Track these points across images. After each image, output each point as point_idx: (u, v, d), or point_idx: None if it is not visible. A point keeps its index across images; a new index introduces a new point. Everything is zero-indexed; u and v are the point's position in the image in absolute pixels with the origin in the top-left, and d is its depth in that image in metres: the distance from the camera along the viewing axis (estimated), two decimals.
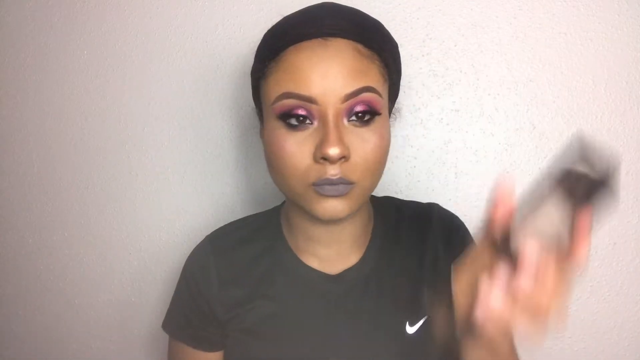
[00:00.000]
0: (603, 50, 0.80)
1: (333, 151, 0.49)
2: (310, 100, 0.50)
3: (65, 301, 1.00)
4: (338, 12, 0.54)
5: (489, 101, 0.83)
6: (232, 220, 0.72)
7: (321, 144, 0.50)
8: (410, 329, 0.60)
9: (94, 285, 0.98)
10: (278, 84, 0.52)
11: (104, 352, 0.99)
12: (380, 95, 0.53)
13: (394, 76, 0.58)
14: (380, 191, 0.86)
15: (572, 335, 0.85)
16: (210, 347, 0.66)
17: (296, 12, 0.56)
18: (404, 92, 0.85)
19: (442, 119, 0.85)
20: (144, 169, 0.94)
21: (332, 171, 0.50)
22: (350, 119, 0.52)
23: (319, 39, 0.51)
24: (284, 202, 0.69)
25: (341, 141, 0.50)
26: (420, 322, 0.61)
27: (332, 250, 0.62)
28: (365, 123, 0.52)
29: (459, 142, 0.85)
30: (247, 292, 0.63)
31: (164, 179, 0.93)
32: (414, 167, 0.86)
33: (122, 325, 0.98)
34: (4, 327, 1.04)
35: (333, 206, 0.52)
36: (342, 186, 0.51)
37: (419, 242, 0.65)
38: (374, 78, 0.52)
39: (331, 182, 0.51)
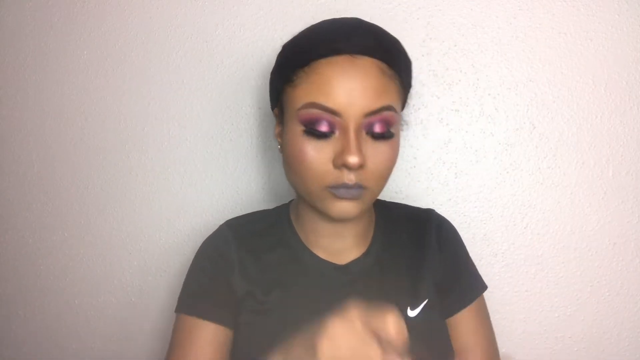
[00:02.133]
0: (603, 50, 0.80)
1: (353, 160, 0.54)
2: (334, 112, 0.55)
3: (65, 301, 1.00)
4: (365, 30, 0.59)
5: (489, 101, 0.83)
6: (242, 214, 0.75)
7: (342, 152, 0.55)
8: (412, 313, 0.64)
9: (94, 285, 0.98)
10: (306, 93, 0.56)
11: (105, 352, 0.99)
12: (397, 112, 0.58)
13: (407, 91, 0.64)
14: None
15: (572, 335, 0.85)
16: (222, 321, 0.66)
17: (323, 23, 0.61)
18: None
19: (442, 119, 0.85)
20: (144, 169, 0.94)
21: (350, 177, 0.56)
22: (369, 132, 0.57)
23: (348, 56, 0.56)
24: (291, 201, 0.73)
25: (360, 151, 0.55)
26: (421, 306, 0.65)
27: (338, 244, 0.67)
28: (382, 137, 0.57)
29: (459, 142, 0.85)
30: (263, 276, 0.67)
31: (164, 179, 0.93)
32: (414, 167, 0.86)
33: (122, 325, 0.98)
34: (4, 327, 1.04)
35: (346, 207, 0.58)
36: (356, 190, 0.56)
37: (419, 237, 0.70)
38: (394, 97, 0.58)
39: (347, 187, 0.56)
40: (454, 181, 0.85)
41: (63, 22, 0.94)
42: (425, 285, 0.66)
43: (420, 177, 0.86)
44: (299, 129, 0.57)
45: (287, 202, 0.74)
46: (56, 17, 0.95)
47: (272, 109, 0.67)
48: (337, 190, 0.56)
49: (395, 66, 0.58)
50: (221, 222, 0.73)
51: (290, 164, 0.60)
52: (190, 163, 0.92)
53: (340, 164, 0.55)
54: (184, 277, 0.69)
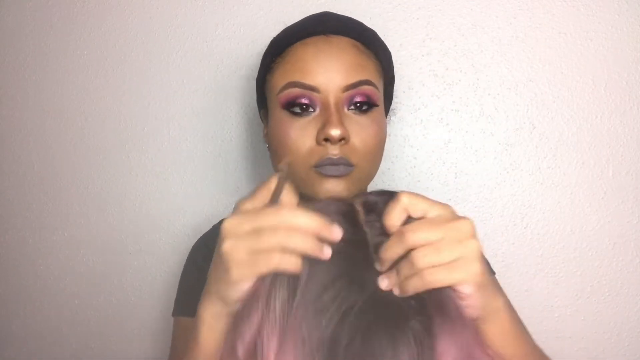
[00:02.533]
0: (603, 50, 0.80)
1: (335, 132, 0.53)
2: (313, 89, 0.55)
3: (65, 301, 1.00)
4: (339, 17, 0.61)
5: (489, 101, 0.83)
6: None
7: (323, 126, 0.54)
8: None
9: (94, 285, 0.98)
10: (284, 75, 0.57)
11: (104, 352, 0.99)
12: (377, 88, 0.58)
13: (387, 79, 0.63)
14: None
15: (572, 335, 0.85)
16: None
17: (300, 20, 0.62)
18: (404, 92, 0.85)
19: (442, 119, 0.85)
20: (144, 169, 0.94)
21: (334, 151, 0.54)
22: (350, 107, 0.56)
23: (322, 36, 0.57)
24: None
25: (342, 124, 0.54)
26: None
27: None
28: (364, 112, 0.57)
29: (459, 142, 0.85)
30: None
31: (164, 179, 0.93)
32: (414, 167, 0.86)
33: (122, 325, 0.98)
34: (4, 327, 1.04)
35: (334, 186, 0.56)
36: (343, 167, 0.55)
37: None
38: (372, 73, 0.58)
39: (332, 162, 0.54)
40: (454, 181, 0.85)
41: (63, 22, 0.94)
42: None
43: (420, 177, 0.86)
44: (281, 114, 0.57)
45: None
46: (56, 17, 0.95)
47: (259, 111, 0.68)
48: (323, 167, 0.55)
49: (372, 46, 0.59)
50: (223, 219, 0.73)
51: (275, 150, 0.59)
52: (190, 163, 0.92)
53: (322, 137, 0.54)
54: None
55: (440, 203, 0.42)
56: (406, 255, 0.38)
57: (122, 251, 0.96)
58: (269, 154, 0.64)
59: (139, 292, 0.97)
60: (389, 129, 0.86)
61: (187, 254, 0.72)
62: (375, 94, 0.57)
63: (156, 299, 0.96)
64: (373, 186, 0.86)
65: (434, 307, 0.38)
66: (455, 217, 0.41)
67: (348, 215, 0.42)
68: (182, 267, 0.72)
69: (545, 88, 0.82)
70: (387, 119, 0.66)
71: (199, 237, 0.74)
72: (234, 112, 0.90)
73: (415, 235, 0.38)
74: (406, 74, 0.84)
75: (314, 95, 0.55)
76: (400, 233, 0.38)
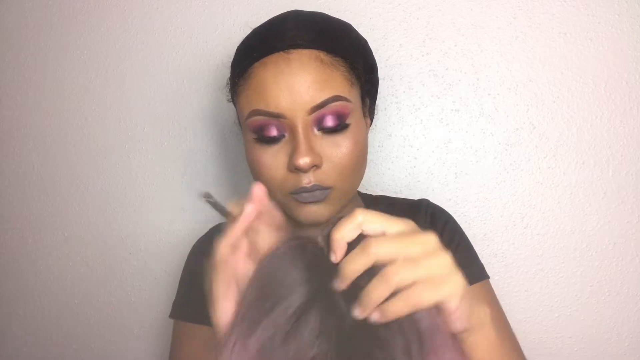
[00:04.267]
0: (603, 50, 0.80)
1: (303, 161, 0.51)
2: (278, 116, 0.52)
3: (65, 301, 1.00)
4: (301, 22, 0.56)
5: (489, 101, 0.83)
6: None
7: (292, 155, 0.52)
8: None
9: (94, 285, 0.98)
10: (248, 102, 0.54)
11: (104, 352, 0.99)
12: (348, 100, 0.54)
13: (365, 76, 0.58)
14: (380, 191, 0.86)
15: (572, 335, 0.85)
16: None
17: (263, 23, 0.59)
18: (404, 92, 0.85)
19: (442, 119, 0.85)
20: (144, 169, 0.94)
21: (306, 179, 0.53)
22: (320, 128, 0.53)
23: (282, 53, 0.53)
24: None
25: (311, 151, 0.52)
26: None
27: None
28: (336, 131, 0.53)
29: (459, 142, 0.85)
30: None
31: (164, 179, 0.93)
32: (414, 167, 0.86)
33: (122, 325, 0.98)
34: (4, 327, 1.04)
35: (313, 211, 0.55)
36: (319, 192, 0.53)
37: None
38: (340, 85, 0.53)
39: (306, 190, 0.53)
40: (454, 181, 0.85)
41: (63, 22, 0.94)
42: None
43: (420, 177, 0.86)
44: (251, 137, 0.55)
45: None
46: (56, 17, 0.95)
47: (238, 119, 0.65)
48: (299, 195, 0.53)
49: (338, 52, 0.54)
50: (221, 222, 0.73)
51: (252, 172, 0.58)
52: (190, 163, 0.92)
53: (293, 167, 0.52)
54: None
55: (400, 219, 0.39)
56: (369, 273, 0.35)
57: (122, 251, 0.96)
58: None
59: (139, 292, 0.97)
60: (388, 129, 0.86)
61: (187, 254, 0.72)
62: (346, 108, 0.54)
63: (156, 299, 0.96)
64: (373, 186, 0.86)
65: (412, 332, 0.35)
66: (419, 231, 0.38)
67: (313, 259, 0.39)
68: (181, 266, 0.72)
69: (545, 88, 0.82)
70: (375, 111, 0.63)
71: (198, 237, 0.74)
72: (234, 112, 0.90)
73: (382, 247, 0.35)
74: (406, 74, 0.84)
75: (280, 122, 0.53)
76: (365, 245, 0.35)
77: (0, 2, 0.97)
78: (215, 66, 0.89)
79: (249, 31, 0.60)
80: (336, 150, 0.53)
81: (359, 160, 0.56)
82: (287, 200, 0.55)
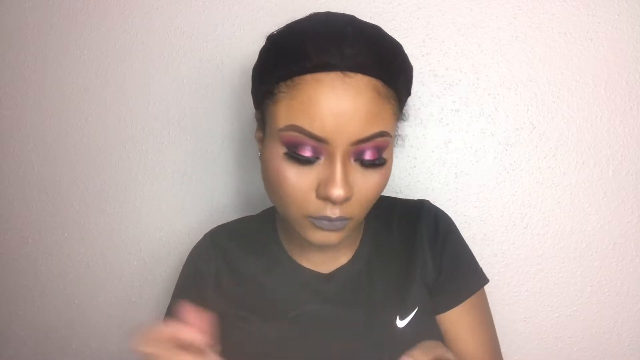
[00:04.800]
0: (603, 50, 0.80)
1: (338, 193, 0.48)
2: (319, 139, 0.49)
3: (65, 301, 1.00)
4: (361, 39, 0.50)
5: (489, 101, 0.83)
6: (231, 220, 0.74)
7: (327, 183, 0.49)
8: (401, 323, 0.61)
9: (94, 285, 0.98)
10: (288, 114, 0.49)
11: (104, 351, 0.99)
12: (390, 136, 0.52)
13: (404, 104, 0.57)
14: None
15: (572, 335, 0.85)
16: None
17: (314, 23, 0.53)
18: None
19: (442, 119, 0.85)
20: (144, 169, 0.94)
21: (332, 210, 0.51)
22: (357, 159, 0.51)
23: (340, 74, 0.48)
24: None
25: (347, 184, 0.49)
26: (411, 316, 0.61)
27: (324, 254, 0.64)
28: (374, 166, 0.52)
29: (459, 142, 0.85)
30: (245, 286, 0.65)
31: (164, 179, 0.93)
32: (414, 167, 0.86)
33: (122, 325, 0.98)
34: (4, 327, 1.04)
35: (327, 237, 0.53)
36: (339, 223, 0.52)
37: (409, 238, 0.66)
38: (388, 120, 0.51)
39: (329, 219, 0.51)
40: (454, 181, 0.85)
41: (63, 22, 0.94)
42: (415, 291, 0.62)
43: (420, 177, 0.86)
44: (280, 150, 0.51)
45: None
46: (56, 17, 0.95)
47: (256, 109, 0.59)
48: (319, 221, 0.51)
49: (393, 82, 0.51)
50: (220, 222, 0.73)
51: (269, 183, 0.54)
52: (190, 163, 0.92)
53: (324, 196, 0.49)
54: None
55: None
56: None
57: (122, 251, 0.96)
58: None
59: (138, 292, 0.97)
60: None
61: (187, 254, 0.72)
62: (386, 142, 0.51)
63: (156, 298, 0.96)
64: None
65: None
66: None
67: None
68: (181, 266, 0.72)
69: (545, 88, 0.82)
70: (395, 143, 0.61)
71: (198, 237, 0.74)
72: (235, 112, 0.90)
73: None
74: None
75: (320, 145, 0.49)
76: None
77: (0, 2, 0.97)
78: (215, 66, 0.89)
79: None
80: (367, 183, 0.52)
81: (380, 192, 0.55)
82: (302, 220, 0.53)
